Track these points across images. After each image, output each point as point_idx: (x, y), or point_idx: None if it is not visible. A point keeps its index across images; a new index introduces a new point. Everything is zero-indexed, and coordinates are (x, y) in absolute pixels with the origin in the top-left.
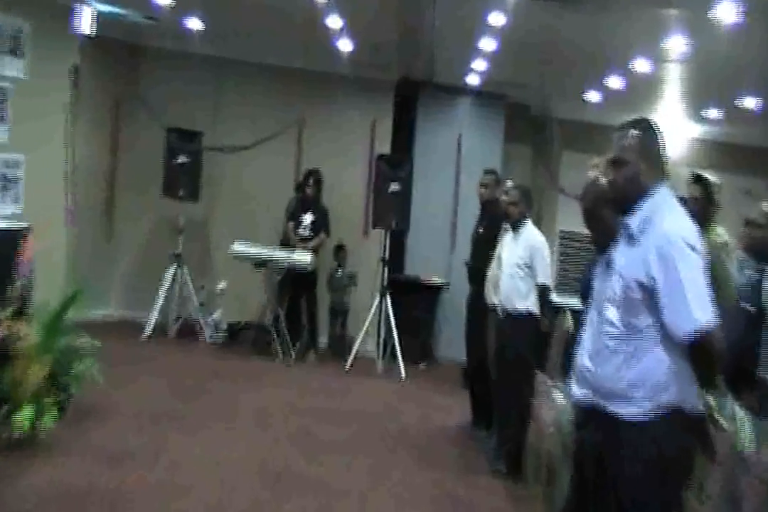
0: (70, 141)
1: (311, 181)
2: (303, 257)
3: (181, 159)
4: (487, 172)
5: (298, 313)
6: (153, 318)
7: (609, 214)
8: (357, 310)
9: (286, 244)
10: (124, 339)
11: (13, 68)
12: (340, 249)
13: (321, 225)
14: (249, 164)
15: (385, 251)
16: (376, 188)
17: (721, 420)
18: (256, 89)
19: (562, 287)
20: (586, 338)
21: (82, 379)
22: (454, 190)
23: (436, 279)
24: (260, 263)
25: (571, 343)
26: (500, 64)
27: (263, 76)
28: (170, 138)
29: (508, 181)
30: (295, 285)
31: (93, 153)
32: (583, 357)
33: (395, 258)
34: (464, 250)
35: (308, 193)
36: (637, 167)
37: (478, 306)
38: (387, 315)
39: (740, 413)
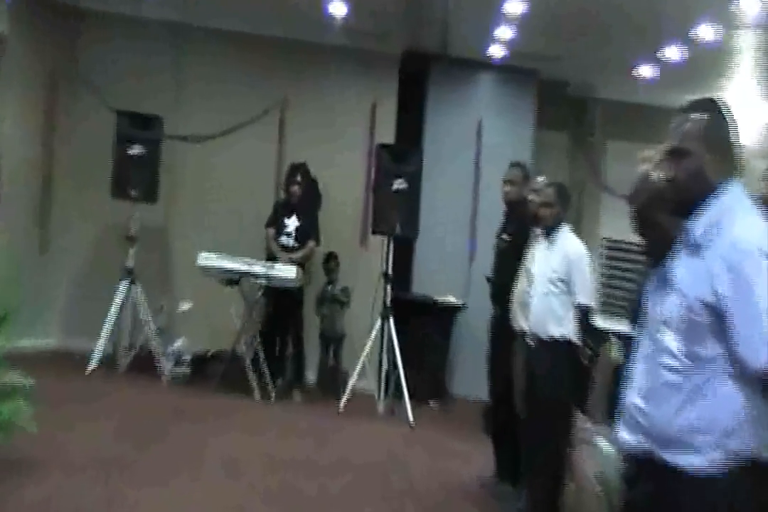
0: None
1: (296, 178)
2: (286, 271)
3: (135, 150)
4: (514, 165)
5: (280, 341)
6: (100, 347)
7: (665, 217)
8: (353, 337)
9: (271, 257)
10: (65, 374)
11: None
12: (331, 261)
13: (308, 231)
14: (219, 156)
15: (387, 264)
16: (377, 186)
17: None
18: (228, 64)
19: (607, 308)
20: (638, 371)
21: (11, 426)
22: (472, 187)
23: (451, 299)
24: (233, 279)
25: (618, 378)
26: (530, 32)
27: (236, 48)
28: (121, 123)
29: (540, 176)
30: (277, 306)
31: (23, 140)
32: (634, 396)
33: (400, 272)
34: (486, 262)
35: (293, 192)
36: (702, 159)
37: (502, 331)
38: (390, 343)
39: None
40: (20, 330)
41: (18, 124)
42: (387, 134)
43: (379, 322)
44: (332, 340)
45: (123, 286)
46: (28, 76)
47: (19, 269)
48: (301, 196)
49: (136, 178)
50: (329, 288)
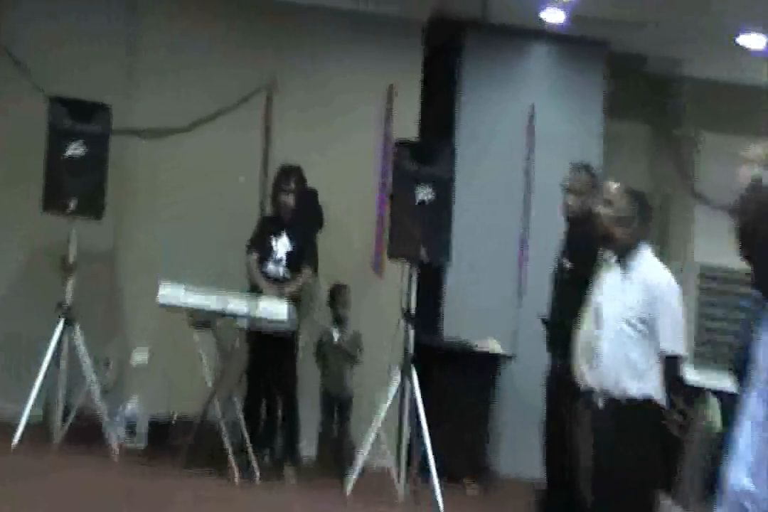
0: None
1: (288, 185)
2: (275, 310)
3: (74, 149)
4: (577, 167)
5: (267, 402)
6: (27, 412)
7: None
8: (364, 397)
9: (254, 290)
10: None
11: None
12: (339, 295)
13: (304, 256)
14: (186, 157)
15: (409, 299)
16: (396, 196)
17: None
18: (196, 34)
19: (703, 357)
20: (744, 443)
21: None
22: (522, 198)
23: (494, 346)
24: (204, 320)
25: (716, 450)
26: None
27: (207, 13)
28: (55, 114)
29: (612, 182)
30: (263, 355)
31: None
32: (739, 474)
33: (427, 310)
34: (540, 296)
35: (283, 205)
36: None
37: (562, 389)
38: (413, 406)
39: None
40: None
41: None
42: (408, 127)
43: (398, 377)
44: (337, 402)
45: (57, 330)
46: None
47: None
48: (295, 209)
49: (76, 185)
50: (335, 332)
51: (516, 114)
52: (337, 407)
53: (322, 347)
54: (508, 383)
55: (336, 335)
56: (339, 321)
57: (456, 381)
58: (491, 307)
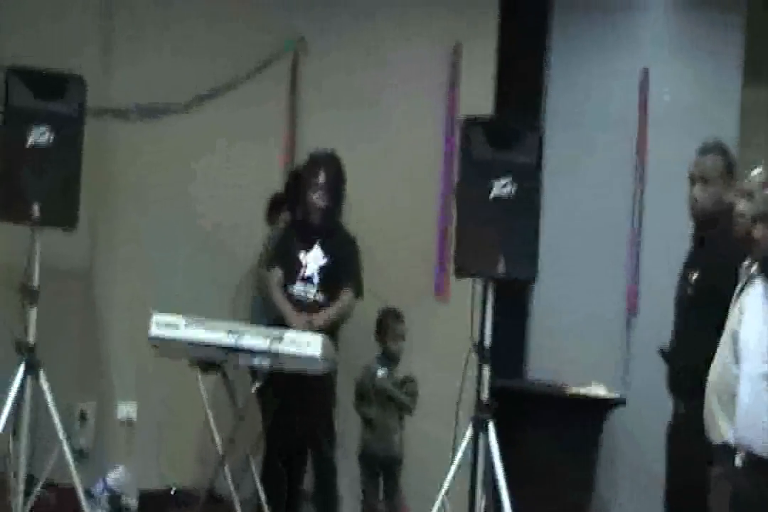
0: None
1: (320, 178)
2: (305, 343)
3: (38, 135)
4: (708, 149)
5: (293, 468)
6: None
7: None
8: (422, 458)
9: (277, 319)
10: None
11: None
12: (387, 323)
13: (343, 273)
14: (186, 145)
15: (483, 328)
16: (464, 190)
17: None
18: None
19: None
20: None
21: None
22: (632, 190)
23: (597, 389)
24: (211, 360)
25: None
26: None
27: None
28: (13, 90)
29: (755, 168)
30: (289, 406)
31: None
32: None
33: (506, 342)
34: (658, 322)
35: (313, 205)
36: None
37: (689, 443)
38: (490, 469)
39: None
40: None
41: None
42: (480, 99)
43: (469, 432)
44: (382, 465)
45: (17, 377)
46: None
47: None
48: (328, 210)
49: (40, 184)
50: (381, 372)
51: (623, 81)
52: (383, 472)
53: (363, 392)
54: (616, 436)
55: (382, 375)
56: (388, 358)
57: (546, 434)
58: (592, 337)
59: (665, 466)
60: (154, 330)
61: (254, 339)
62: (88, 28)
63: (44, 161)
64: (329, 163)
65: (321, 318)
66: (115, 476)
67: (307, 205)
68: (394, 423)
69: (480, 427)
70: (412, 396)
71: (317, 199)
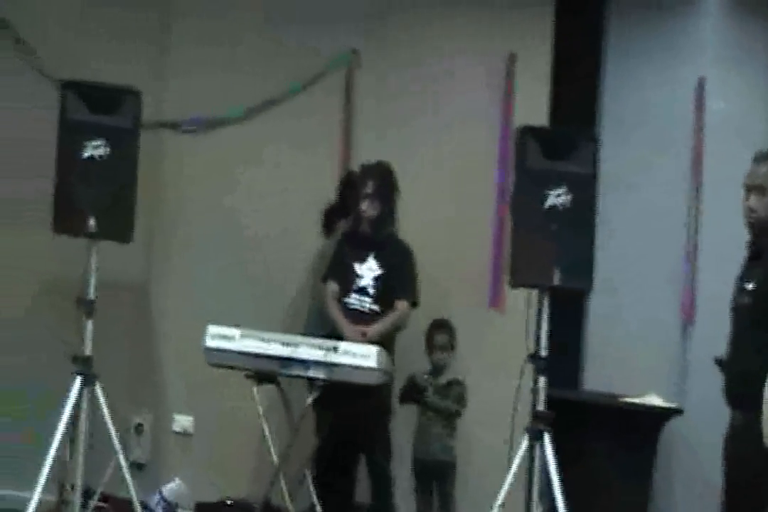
0: None
1: (369, 188)
2: (360, 356)
3: (94, 148)
4: (762, 158)
5: (346, 477)
6: (36, 497)
7: None
8: (479, 468)
9: (332, 332)
10: None
11: None
12: (436, 333)
13: (399, 284)
14: (239, 157)
15: (538, 338)
16: (519, 200)
17: None
18: None
19: None
20: None
21: None
22: (687, 200)
23: (653, 400)
24: (267, 371)
25: None
26: None
27: None
28: (69, 103)
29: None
30: (345, 417)
31: None
32: None
33: (561, 353)
34: (713, 329)
35: (365, 216)
36: None
37: (749, 456)
38: (546, 478)
39: None
40: None
41: None
42: (535, 109)
43: (525, 442)
44: (433, 472)
45: (74, 390)
46: None
47: None
48: (379, 220)
49: (96, 197)
50: (432, 381)
51: (680, 90)
52: (437, 480)
53: (408, 393)
54: (673, 446)
55: (429, 383)
56: (438, 366)
57: (603, 445)
58: (648, 347)
59: (722, 476)
60: (209, 342)
61: (309, 350)
62: (143, 41)
63: (100, 174)
64: (379, 173)
65: (376, 329)
66: (171, 488)
67: (358, 215)
68: (443, 427)
69: (536, 437)
70: (459, 401)
71: (367, 208)
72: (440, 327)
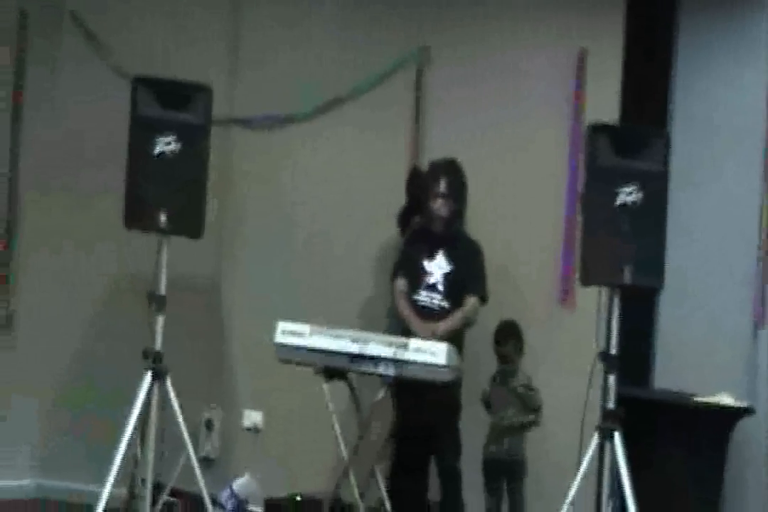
0: None
1: (441, 187)
2: (430, 353)
3: (165, 144)
4: None
5: (418, 477)
6: (108, 491)
7: None
8: (545, 468)
9: (402, 328)
10: None
11: None
12: (505, 334)
13: (468, 280)
14: (308, 154)
15: (609, 337)
16: (590, 197)
17: None
18: None
19: None
20: None
21: None
22: (760, 197)
23: (725, 399)
24: (336, 368)
25: None
26: None
27: None
28: (141, 99)
29: None
30: (414, 414)
31: None
32: None
33: (631, 351)
34: None
35: (436, 213)
36: None
37: None
38: (616, 478)
39: None
40: None
41: None
42: (606, 106)
43: (595, 441)
44: (507, 471)
45: (144, 385)
46: None
47: None
48: (451, 218)
49: (167, 193)
50: (504, 381)
51: (752, 87)
52: (507, 478)
53: (488, 400)
54: (746, 447)
55: (504, 383)
56: (507, 368)
57: (673, 444)
58: (719, 346)
59: None
60: (279, 338)
61: (379, 347)
62: (215, 37)
63: (171, 170)
64: (450, 171)
65: (445, 326)
66: (241, 483)
67: (430, 214)
68: (518, 429)
69: (606, 436)
70: (536, 410)
71: (439, 207)
72: (505, 337)
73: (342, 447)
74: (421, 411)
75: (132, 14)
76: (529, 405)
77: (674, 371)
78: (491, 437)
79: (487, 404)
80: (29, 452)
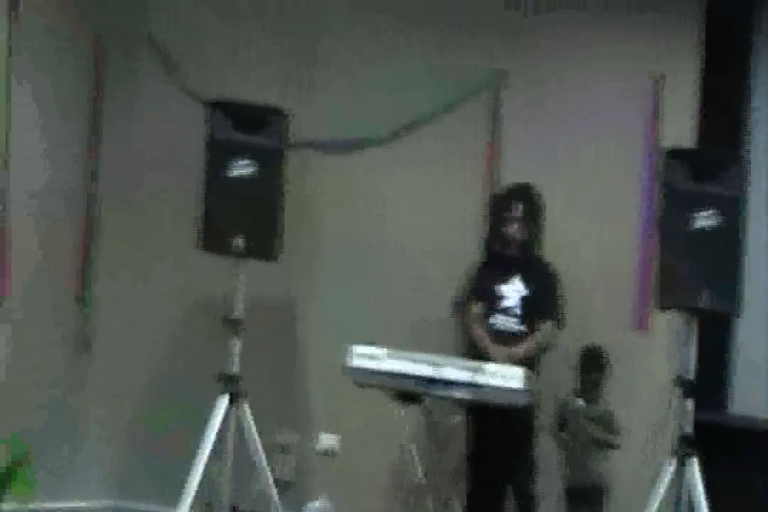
0: (2, 131)
1: (517, 211)
2: (505, 377)
3: (241, 168)
4: None
5: (494, 500)
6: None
7: None
8: (620, 494)
9: (476, 352)
10: None
11: None
12: (591, 360)
13: (544, 304)
14: (384, 177)
15: (686, 362)
16: (666, 222)
17: None
18: (395, 17)
19: None
20: None
21: None
22: None
23: None
24: (411, 392)
25: None
26: None
27: None
28: (216, 123)
29: None
30: (490, 438)
31: (51, 158)
32: None
33: (708, 377)
34: None
35: (512, 237)
36: None
37: None
38: (694, 505)
39: None
40: (48, 484)
41: (41, 129)
42: (682, 131)
43: (672, 466)
44: (585, 497)
45: (221, 408)
46: (55, 48)
47: (44, 379)
48: (527, 243)
49: (243, 217)
50: (580, 405)
51: None
52: (588, 504)
53: (563, 425)
54: None
55: (578, 406)
56: (589, 394)
57: (752, 469)
58: None
59: None
60: (355, 362)
61: (455, 371)
62: (290, 60)
63: (247, 193)
64: (527, 195)
65: (521, 350)
66: (316, 507)
67: (505, 238)
68: (595, 455)
69: (683, 462)
70: (614, 432)
71: (515, 232)
72: (592, 364)
73: (417, 471)
74: (496, 435)
75: (207, 38)
76: (611, 428)
77: (752, 395)
78: (570, 460)
79: (561, 426)
80: (106, 473)
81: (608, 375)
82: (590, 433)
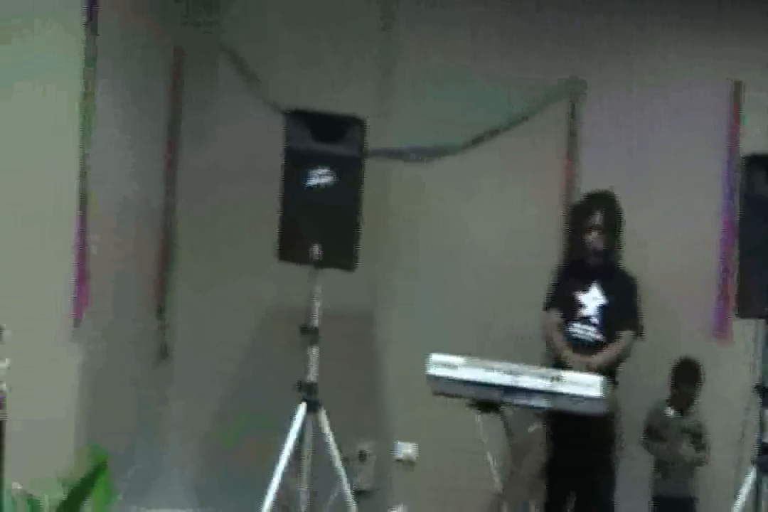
0: (82, 142)
1: (596, 219)
2: (585, 383)
3: (319, 176)
4: None
5: (573, 509)
6: None
7: None
8: (702, 502)
9: (555, 361)
10: None
11: None
12: (688, 372)
13: (624, 313)
14: (461, 186)
15: (765, 370)
16: (745, 231)
17: None
18: (470, 29)
19: None
20: None
21: None
22: None
23: None
24: (490, 400)
25: None
26: None
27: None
28: (294, 132)
29: None
30: (569, 447)
31: (127, 166)
32: None
33: None
34: None
35: (591, 246)
36: None
37: None
38: None
39: None
40: (130, 492)
41: (120, 140)
42: (762, 137)
43: (752, 476)
44: (672, 507)
45: (299, 416)
46: (134, 59)
47: (121, 389)
48: (606, 251)
49: (321, 226)
50: (674, 416)
51: None
52: None
53: (654, 434)
54: None
55: (675, 419)
56: (682, 405)
57: None
58: None
59: None
60: (432, 370)
61: (532, 379)
62: (368, 69)
63: (325, 202)
64: (606, 203)
65: (600, 359)
66: None
67: (584, 246)
68: (688, 466)
69: (764, 470)
70: (704, 448)
71: (594, 240)
72: (687, 377)
73: (495, 479)
74: (575, 444)
75: (284, 47)
76: (701, 443)
77: None
78: (662, 472)
79: (651, 434)
80: (185, 482)
81: (701, 388)
82: (681, 453)
